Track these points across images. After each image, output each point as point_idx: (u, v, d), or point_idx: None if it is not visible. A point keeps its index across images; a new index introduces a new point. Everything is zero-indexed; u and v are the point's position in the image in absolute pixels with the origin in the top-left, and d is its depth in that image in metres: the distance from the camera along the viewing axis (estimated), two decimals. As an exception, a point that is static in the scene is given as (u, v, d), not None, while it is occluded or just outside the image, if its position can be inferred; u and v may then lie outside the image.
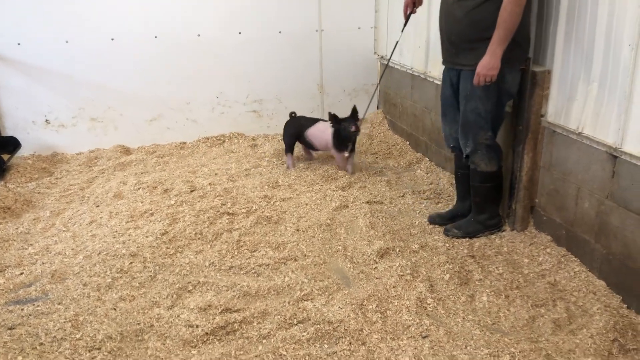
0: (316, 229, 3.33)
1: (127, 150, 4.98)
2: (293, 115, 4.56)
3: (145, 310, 2.57)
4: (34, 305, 2.62)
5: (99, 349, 2.29)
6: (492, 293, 2.63)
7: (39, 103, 4.78)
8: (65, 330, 2.41)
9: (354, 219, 3.47)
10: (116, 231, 3.37)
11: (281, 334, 2.36)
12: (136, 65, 4.88)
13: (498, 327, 2.41)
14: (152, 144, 5.11)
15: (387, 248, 3.05)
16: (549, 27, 2.90)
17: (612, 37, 2.47)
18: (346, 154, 4.12)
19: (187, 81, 5.04)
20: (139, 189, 4.04)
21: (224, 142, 5.16)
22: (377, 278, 2.80)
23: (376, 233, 3.24)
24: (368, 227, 3.31)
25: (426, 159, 4.48)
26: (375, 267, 2.90)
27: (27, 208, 3.81)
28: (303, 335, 2.33)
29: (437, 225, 3.34)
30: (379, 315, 2.47)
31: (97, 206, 3.80)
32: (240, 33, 5.01)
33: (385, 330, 2.37)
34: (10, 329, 2.42)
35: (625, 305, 2.46)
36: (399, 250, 3.04)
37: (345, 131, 3.98)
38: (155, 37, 4.84)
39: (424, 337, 2.31)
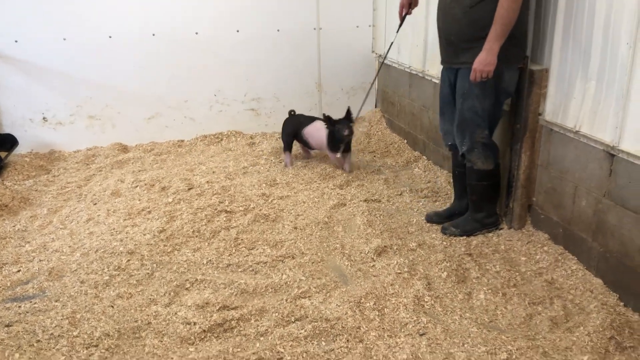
0: (314, 227, 3.33)
1: (124, 148, 4.97)
2: (292, 113, 4.56)
3: (142, 307, 2.57)
4: (31, 302, 2.62)
5: (96, 346, 2.29)
6: (490, 291, 2.63)
7: (37, 101, 4.77)
8: (62, 327, 2.41)
9: (351, 217, 3.47)
10: (114, 229, 3.37)
11: (279, 331, 2.36)
12: (134, 64, 4.87)
13: (495, 325, 2.41)
14: (149, 142, 5.11)
15: (385, 246, 3.05)
16: (546, 25, 2.91)
17: (610, 35, 2.47)
18: (338, 155, 4.12)
19: (185, 79, 5.03)
20: (136, 186, 4.03)
21: (221, 140, 5.15)
22: (374, 276, 2.80)
23: (374, 231, 3.24)
24: (366, 225, 3.31)
25: (424, 157, 4.48)
26: (373, 265, 2.90)
27: (24, 205, 3.80)
28: (300, 333, 2.33)
29: (434, 224, 3.35)
30: (377, 313, 2.47)
31: (95, 204, 3.79)
32: (238, 31, 5.01)
33: (383, 328, 2.37)
34: (7, 326, 2.41)
35: (622, 303, 2.46)
36: (397, 248, 3.05)
37: (339, 134, 3.99)
38: (154, 35, 4.83)
39: (421, 335, 2.32)
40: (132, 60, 4.85)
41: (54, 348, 2.28)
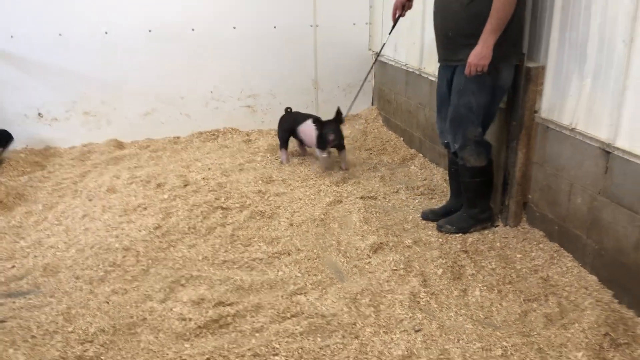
0: (310, 224, 3.33)
1: (120, 145, 4.96)
2: (288, 110, 4.55)
3: (138, 303, 2.56)
4: (25, 298, 2.62)
5: (91, 342, 2.28)
6: (485, 288, 2.64)
7: (32, 97, 4.75)
8: (57, 323, 2.40)
9: (347, 214, 3.48)
10: (109, 225, 3.36)
11: (274, 327, 2.36)
12: (130, 59, 4.85)
13: (490, 322, 2.41)
14: (145, 139, 5.10)
15: (381, 243, 3.06)
16: (543, 22, 2.91)
17: (606, 33, 2.48)
18: (324, 155, 4.12)
19: (181, 76, 5.02)
20: (132, 183, 4.02)
21: (217, 137, 5.15)
22: (370, 272, 2.80)
23: (370, 228, 3.25)
24: (362, 222, 3.32)
25: (420, 155, 4.48)
26: (369, 262, 2.90)
27: (19, 202, 3.79)
28: (296, 329, 2.33)
29: (430, 221, 3.35)
30: (372, 309, 2.47)
31: (90, 200, 3.78)
32: (235, 28, 5.00)
33: (378, 324, 2.38)
34: (1, 322, 2.41)
35: (616, 300, 2.47)
36: (393, 245, 3.05)
37: (325, 137, 3.99)
38: (150, 31, 4.82)
39: (416, 331, 2.32)
40: (128, 56, 4.83)
41: (48, 344, 2.27)
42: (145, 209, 3.57)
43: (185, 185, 3.92)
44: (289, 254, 3.00)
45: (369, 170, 4.25)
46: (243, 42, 5.06)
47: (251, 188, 3.86)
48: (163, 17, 4.81)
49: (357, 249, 3.02)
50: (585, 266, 2.73)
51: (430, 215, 3.38)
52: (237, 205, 3.59)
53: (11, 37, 4.53)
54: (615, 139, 2.45)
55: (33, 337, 2.32)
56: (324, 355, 2.20)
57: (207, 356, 2.16)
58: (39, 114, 4.81)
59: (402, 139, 4.86)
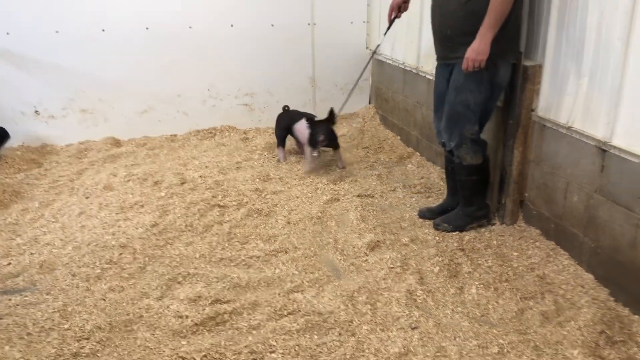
0: (307, 222, 3.33)
1: (117, 142, 4.95)
2: (286, 108, 4.55)
3: (134, 301, 2.56)
4: (21, 295, 2.61)
5: (88, 339, 2.28)
6: (481, 286, 2.64)
7: (29, 94, 4.73)
8: (53, 320, 2.40)
9: (344, 212, 3.48)
10: (106, 222, 3.35)
11: (271, 325, 2.36)
12: (127, 57, 4.84)
13: (487, 319, 2.42)
14: (142, 136, 5.09)
15: (378, 241, 3.06)
16: (540, 21, 2.91)
17: (603, 32, 2.48)
18: (315, 154, 4.12)
19: (178, 73, 5.01)
20: (129, 181, 4.02)
21: (215, 135, 5.14)
22: (367, 270, 2.80)
23: (367, 226, 3.25)
24: (359, 220, 3.32)
25: (417, 153, 4.49)
26: (366, 260, 2.90)
27: (15, 199, 3.78)
28: (293, 326, 2.33)
29: (427, 219, 3.35)
30: (369, 307, 2.47)
31: (87, 197, 3.77)
32: (232, 25, 4.99)
33: (375, 322, 2.38)
34: (-3, 319, 2.40)
35: (612, 298, 2.48)
36: (390, 243, 3.05)
37: (315, 137, 3.99)
38: (147, 28, 4.80)
39: (413, 329, 2.32)
40: (125, 54, 4.82)
41: (44, 341, 2.27)
42: (142, 206, 3.57)
43: (183, 183, 3.91)
44: (286, 252, 3.00)
45: (366, 168, 4.26)
46: (240, 40, 5.05)
47: (248, 186, 3.86)
48: (160, 14, 4.79)
49: (354, 247, 3.02)
50: (582, 264, 2.73)
51: (427, 214, 3.39)
52: (234, 203, 3.58)
53: (7, 33, 4.51)
54: (612, 137, 2.46)
55: (29, 334, 2.31)
56: (320, 352, 2.20)
57: (203, 353, 2.16)
58: (36, 112, 4.80)
59: (399, 137, 4.86)
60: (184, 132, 5.18)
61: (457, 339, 2.26)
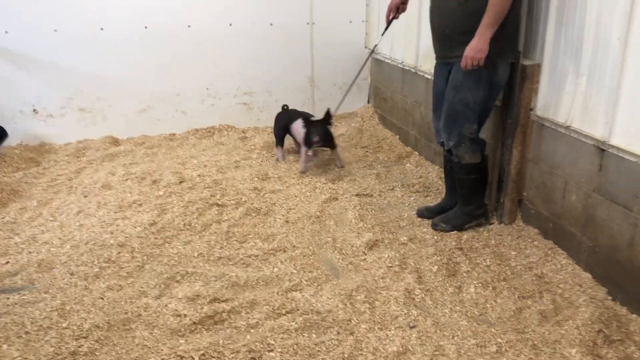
0: (305, 221, 3.33)
1: (115, 141, 4.94)
2: (285, 108, 4.54)
3: (132, 299, 2.56)
4: (19, 294, 2.61)
5: (86, 337, 2.28)
6: (480, 285, 2.64)
7: (27, 93, 4.72)
8: (51, 319, 2.40)
9: (343, 211, 3.48)
10: (104, 221, 3.35)
11: (269, 323, 2.36)
12: (126, 56, 4.83)
13: (485, 318, 2.42)
14: (141, 135, 5.08)
15: (376, 240, 3.06)
16: (539, 20, 2.91)
17: (601, 31, 2.48)
18: (310, 153, 4.11)
19: (177, 72, 5.00)
20: (127, 179, 4.01)
21: (213, 134, 5.14)
22: (365, 269, 2.80)
23: (365, 225, 3.25)
24: (357, 219, 3.32)
25: (416, 153, 4.49)
26: (364, 259, 2.90)
27: (13, 198, 3.77)
28: (291, 325, 2.33)
29: (425, 219, 3.35)
30: (367, 306, 2.48)
31: (85, 196, 3.77)
32: (231, 24, 4.99)
33: (374, 321, 2.38)
34: (-5, 317, 2.40)
35: (610, 297, 2.48)
36: (388, 242, 3.05)
37: (310, 138, 3.99)
38: (146, 27, 4.80)
39: (411, 328, 2.32)
40: (124, 52, 4.81)
41: (42, 339, 2.27)
42: (140, 205, 3.56)
43: (181, 182, 3.91)
44: (284, 251, 3.00)
45: (364, 167, 4.26)
46: (239, 40, 5.05)
47: (247, 185, 3.86)
48: (159, 13, 4.79)
49: (352, 246, 3.03)
50: (580, 263, 2.74)
51: (425, 213, 3.39)
52: (232, 202, 3.58)
53: (6, 32, 4.50)
54: (610, 136, 2.46)
55: (27, 333, 2.31)
56: (319, 351, 2.20)
57: (202, 352, 2.16)
58: (34, 110, 4.79)
59: (397, 136, 4.86)
60: (183, 131, 5.18)
61: (455, 338, 2.27)
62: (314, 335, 2.29)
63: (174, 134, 5.13)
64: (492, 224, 3.25)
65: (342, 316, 2.40)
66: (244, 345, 2.21)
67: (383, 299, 2.54)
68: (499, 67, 2.85)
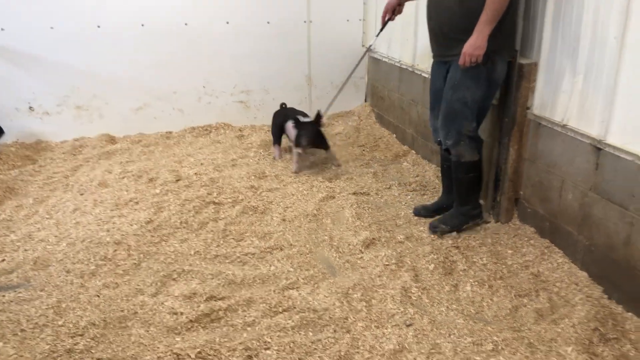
0: (302, 219, 3.33)
1: (112, 139, 4.93)
2: (283, 106, 4.54)
3: (129, 297, 2.55)
4: (15, 292, 2.60)
5: (82, 335, 2.27)
6: (476, 283, 2.65)
7: (23, 90, 4.70)
8: (47, 316, 2.39)
9: (340, 209, 3.48)
10: (100, 219, 3.34)
11: (266, 321, 2.36)
12: (123, 54, 4.82)
13: (481, 317, 2.43)
14: (137, 133, 5.07)
15: (373, 238, 3.06)
16: (536, 19, 2.92)
17: (598, 29, 2.49)
18: (300, 151, 4.11)
19: (174, 70, 4.99)
20: (124, 177, 4.00)
21: (210, 132, 5.13)
22: (362, 267, 2.80)
23: (362, 223, 3.25)
24: (354, 217, 3.32)
25: (412, 151, 4.49)
26: (361, 257, 2.90)
27: (9, 195, 3.76)
28: (288, 323, 2.33)
29: (422, 217, 3.36)
30: (364, 304, 2.48)
31: (82, 194, 3.76)
32: (228, 22, 4.98)
33: (370, 319, 2.38)
34: (-9, 315, 2.39)
35: (606, 296, 2.49)
36: (385, 241, 3.06)
37: (299, 139, 3.98)
38: (143, 25, 4.79)
39: (408, 326, 2.33)
40: (121, 50, 4.80)
41: (38, 337, 2.26)
42: (137, 203, 3.56)
43: (178, 180, 3.90)
44: (281, 249, 3.00)
45: (361, 166, 4.26)
46: (236, 37, 5.04)
47: (244, 183, 3.85)
48: (156, 11, 4.77)
49: (349, 244, 3.03)
50: (576, 262, 2.74)
51: (422, 211, 3.39)
52: (229, 200, 3.58)
53: (2, 29, 4.48)
54: (606, 135, 2.47)
55: (23, 330, 2.30)
56: (315, 349, 2.20)
57: (198, 350, 2.16)
58: (30, 108, 4.77)
59: (394, 135, 4.86)
60: (179, 129, 5.16)
61: (451, 336, 2.27)
62: (311, 333, 2.29)
63: (170, 132, 5.12)
64: (488, 222, 3.25)
65: (338, 314, 2.40)
66: (240, 343, 2.21)
67: (379, 297, 2.54)
68: (497, 64, 2.85)
